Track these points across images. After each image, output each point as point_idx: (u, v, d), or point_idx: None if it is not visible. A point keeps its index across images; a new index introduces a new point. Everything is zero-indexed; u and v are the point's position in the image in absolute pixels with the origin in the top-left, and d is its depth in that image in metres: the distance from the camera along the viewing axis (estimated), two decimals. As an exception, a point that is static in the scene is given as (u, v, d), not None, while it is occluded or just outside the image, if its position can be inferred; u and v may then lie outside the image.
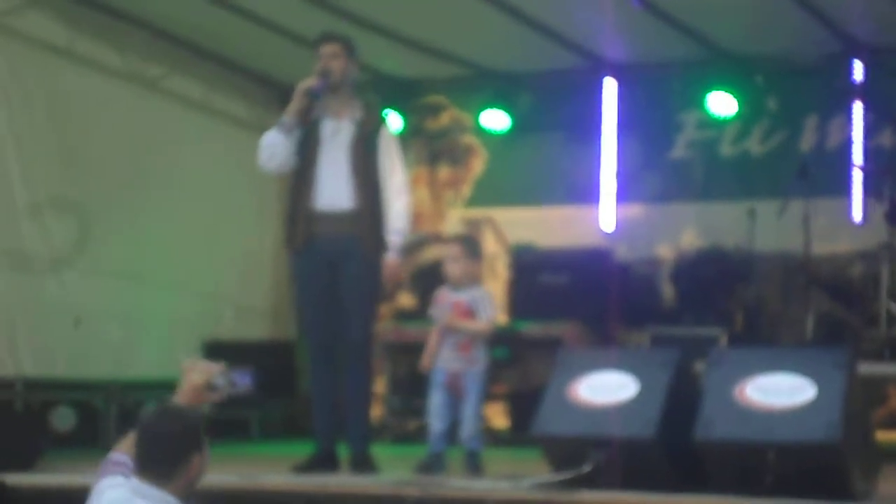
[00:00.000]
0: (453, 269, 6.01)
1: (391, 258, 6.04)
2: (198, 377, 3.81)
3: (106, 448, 8.31)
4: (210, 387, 3.80)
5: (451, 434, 6.01)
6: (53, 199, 8.28)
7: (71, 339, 8.29)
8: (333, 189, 5.99)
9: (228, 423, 9.07)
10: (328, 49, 6.09)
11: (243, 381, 3.90)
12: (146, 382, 8.54)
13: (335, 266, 6.00)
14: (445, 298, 6.04)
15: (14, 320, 8.02)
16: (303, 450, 6.21)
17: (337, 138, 6.04)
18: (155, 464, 3.36)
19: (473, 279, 6.05)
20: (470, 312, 5.98)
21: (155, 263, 8.96)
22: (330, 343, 6.05)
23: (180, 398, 3.71)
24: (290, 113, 6.03)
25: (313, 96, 6.03)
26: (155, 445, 3.38)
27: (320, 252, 6.00)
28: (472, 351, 5.96)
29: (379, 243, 6.06)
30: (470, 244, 6.24)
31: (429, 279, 8.98)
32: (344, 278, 5.99)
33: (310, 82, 6.03)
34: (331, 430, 6.08)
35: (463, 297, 5.99)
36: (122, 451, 3.59)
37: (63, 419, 7.97)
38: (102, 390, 8.14)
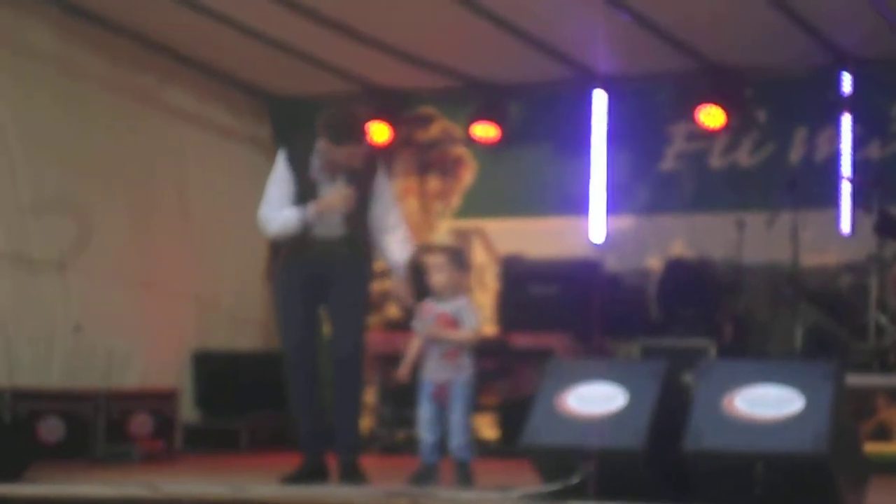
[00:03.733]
0: (438, 278, 6.03)
1: (399, 279, 6.12)
2: None
3: (94, 459, 8.37)
4: None
5: (442, 445, 6.01)
6: (55, 204, 8.31)
7: (69, 346, 8.32)
8: (330, 218, 6.06)
9: (217, 434, 9.07)
10: (355, 151, 6.05)
11: None
12: (135, 393, 8.53)
13: (323, 280, 6.02)
14: (429, 310, 6.05)
15: (13, 326, 8.03)
16: (291, 461, 6.20)
17: (332, 188, 6.07)
18: None
19: (457, 290, 6.07)
20: (454, 322, 5.99)
21: (152, 271, 8.99)
22: (309, 355, 6.06)
23: None
24: (315, 214, 6.02)
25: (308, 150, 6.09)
26: None
27: (311, 268, 6.03)
28: (459, 359, 5.97)
29: (368, 258, 6.14)
30: (456, 255, 6.26)
31: (415, 290, 8.99)
32: (334, 290, 6.02)
33: (346, 202, 6.02)
34: (318, 442, 6.08)
35: (447, 307, 6.01)
36: None
37: (51, 430, 7.95)
38: (90, 401, 8.13)
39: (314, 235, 6.06)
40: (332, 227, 6.07)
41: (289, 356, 6.12)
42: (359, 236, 6.13)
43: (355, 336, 6.08)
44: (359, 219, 6.12)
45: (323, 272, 6.03)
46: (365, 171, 6.14)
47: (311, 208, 6.01)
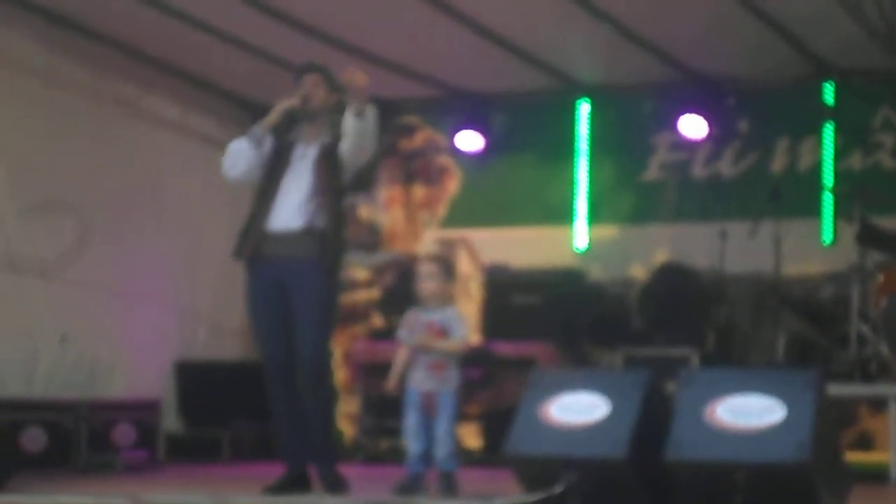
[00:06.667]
0: (429, 287, 6.00)
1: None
2: None
3: (76, 469, 8.35)
4: None
5: (428, 455, 5.99)
6: (39, 214, 8.30)
7: (54, 356, 8.31)
8: (289, 208, 5.95)
9: (199, 444, 9.04)
10: (310, 79, 6.12)
11: None
12: (118, 403, 8.51)
13: (285, 287, 5.96)
14: (417, 320, 6.02)
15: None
16: (274, 471, 6.18)
17: (303, 161, 6.05)
18: None
19: (445, 299, 6.05)
20: (443, 332, 5.97)
21: (136, 281, 8.98)
22: (286, 363, 5.97)
23: None
24: (263, 125, 6.06)
25: (290, 116, 6.06)
26: None
27: (269, 271, 5.96)
28: (446, 371, 5.95)
29: (332, 263, 6.02)
30: (446, 264, 6.24)
31: (399, 300, 8.98)
32: (294, 299, 5.94)
33: (291, 102, 6.05)
34: (300, 451, 6.05)
35: (435, 317, 5.98)
36: None
37: (34, 440, 7.93)
38: (72, 411, 8.10)
39: (276, 230, 5.95)
40: (298, 218, 5.93)
41: (266, 368, 6.06)
42: (328, 230, 5.94)
43: (319, 343, 5.95)
44: (329, 205, 5.96)
45: (282, 277, 5.93)
46: (333, 141, 6.04)
47: (259, 123, 6.02)
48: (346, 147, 6.01)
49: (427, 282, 6.01)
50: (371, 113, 5.98)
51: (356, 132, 5.96)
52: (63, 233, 8.54)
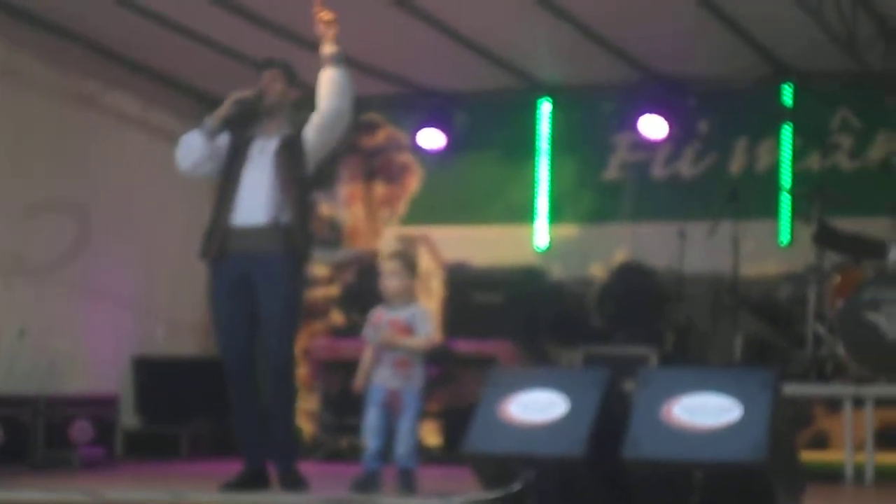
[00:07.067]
0: (392, 284, 5.99)
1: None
2: None
3: (33, 464, 8.28)
4: None
5: (387, 452, 5.99)
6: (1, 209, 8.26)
7: (12, 350, 8.23)
8: (253, 203, 5.93)
9: (157, 441, 9.00)
10: (268, 73, 6.12)
11: None
12: (76, 398, 8.46)
13: (251, 282, 5.94)
14: (381, 317, 6.01)
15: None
16: (232, 468, 6.17)
17: (263, 155, 6.03)
18: None
19: (410, 296, 6.05)
20: (408, 329, 5.96)
21: (95, 276, 8.93)
22: (247, 358, 5.95)
23: None
24: (214, 117, 6.05)
25: (242, 105, 6.04)
26: None
27: (235, 267, 5.93)
28: (411, 368, 5.95)
29: (299, 257, 6.00)
30: (408, 261, 6.23)
31: (359, 296, 8.99)
32: (261, 294, 5.92)
33: (243, 93, 6.05)
34: (258, 448, 6.03)
35: (400, 314, 5.97)
36: None
37: (-10, 435, 7.88)
38: (30, 406, 8.05)
39: (240, 225, 5.93)
40: (261, 213, 5.91)
41: (226, 363, 6.04)
42: (291, 224, 5.91)
43: (283, 340, 5.93)
44: (291, 198, 5.93)
45: (248, 272, 5.91)
46: (293, 133, 6.03)
47: (211, 115, 6.02)
48: (318, 118, 6.00)
49: (390, 279, 6.01)
50: (347, 69, 5.97)
51: (334, 86, 5.97)
52: (23, 229, 8.46)
